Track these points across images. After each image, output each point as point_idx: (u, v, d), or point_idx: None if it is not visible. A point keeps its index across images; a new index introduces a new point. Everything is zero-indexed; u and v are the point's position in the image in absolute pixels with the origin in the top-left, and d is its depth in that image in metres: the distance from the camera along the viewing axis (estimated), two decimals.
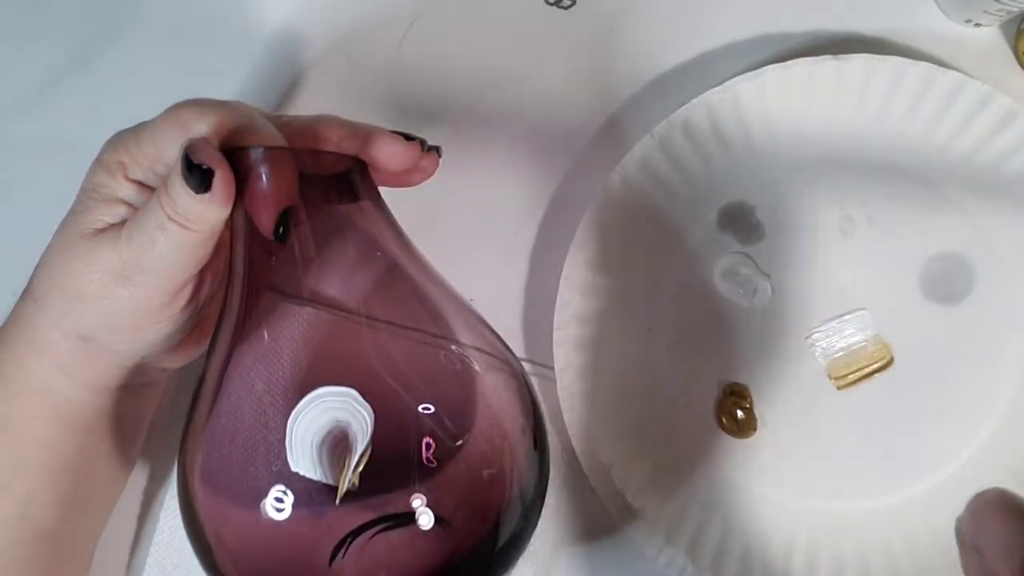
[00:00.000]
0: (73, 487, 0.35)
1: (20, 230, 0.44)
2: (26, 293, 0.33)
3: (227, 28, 0.48)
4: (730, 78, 0.43)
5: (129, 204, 0.31)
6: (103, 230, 0.31)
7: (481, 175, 0.46)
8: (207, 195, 0.28)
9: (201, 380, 0.30)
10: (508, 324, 0.44)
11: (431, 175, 0.35)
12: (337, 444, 0.27)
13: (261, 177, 0.29)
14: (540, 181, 0.46)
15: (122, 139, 0.31)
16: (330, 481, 0.24)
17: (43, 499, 0.34)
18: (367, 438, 0.25)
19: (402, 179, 0.34)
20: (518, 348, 0.44)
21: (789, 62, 0.42)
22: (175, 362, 0.36)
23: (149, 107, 0.32)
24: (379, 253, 0.31)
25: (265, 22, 0.48)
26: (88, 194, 0.32)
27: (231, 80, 0.47)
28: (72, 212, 0.32)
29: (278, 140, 0.31)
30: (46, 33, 0.49)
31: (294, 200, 0.30)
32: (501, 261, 0.45)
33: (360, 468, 0.25)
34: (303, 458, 0.24)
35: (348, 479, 0.24)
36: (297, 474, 0.27)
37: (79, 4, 0.49)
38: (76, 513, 0.36)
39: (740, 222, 0.44)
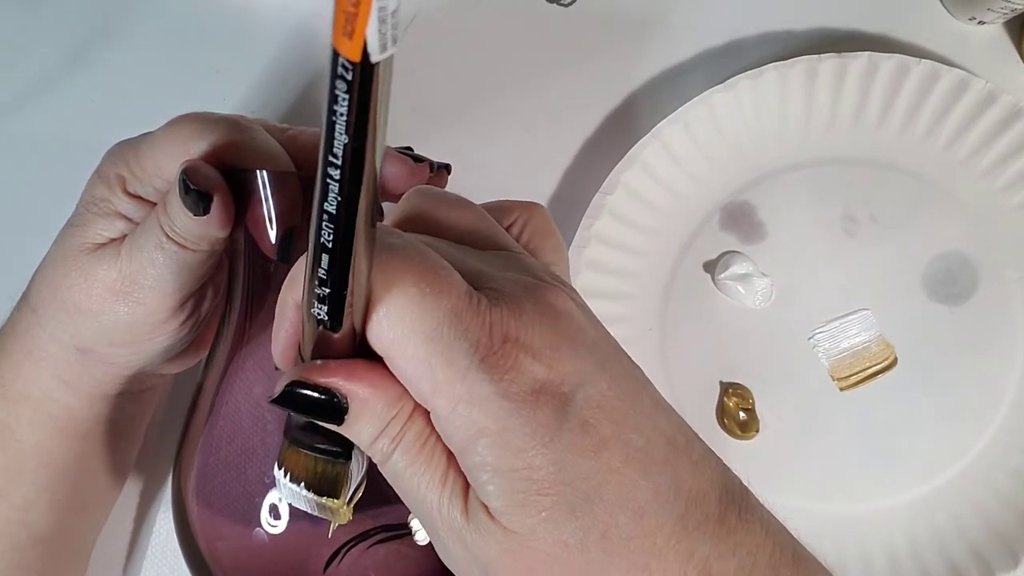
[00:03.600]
0: (70, 492, 0.35)
1: (19, 231, 0.44)
2: (23, 302, 0.33)
3: (226, 28, 0.48)
4: (732, 76, 0.42)
5: (129, 219, 0.31)
6: (103, 245, 0.31)
7: (481, 175, 0.46)
8: (205, 217, 0.28)
9: (198, 392, 0.30)
10: None
11: None
12: None
13: (265, 200, 0.29)
14: (540, 181, 0.45)
15: (122, 152, 0.31)
16: (318, 515, 0.24)
17: (40, 504, 0.34)
18: (362, 472, 0.24)
19: None
20: None
21: (792, 60, 0.42)
22: (174, 368, 0.36)
23: (149, 107, 0.31)
24: None
25: (264, 22, 0.48)
26: (87, 207, 0.31)
27: (230, 80, 0.47)
28: (71, 225, 0.32)
29: (280, 158, 0.30)
30: (45, 32, 0.49)
31: (297, 220, 0.29)
32: None
33: (354, 502, 0.24)
34: (290, 487, 0.23)
35: (340, 514, 0.23)
36: None
37: (79, 2, 0.49)
38: (73, 517, 0.36)
39: (742, 221, 0.44)
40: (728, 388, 0.42)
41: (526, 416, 0.21)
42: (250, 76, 0.47)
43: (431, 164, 0.33)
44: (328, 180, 0.18)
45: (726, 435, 0.42)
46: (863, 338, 0.42)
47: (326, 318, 0.21)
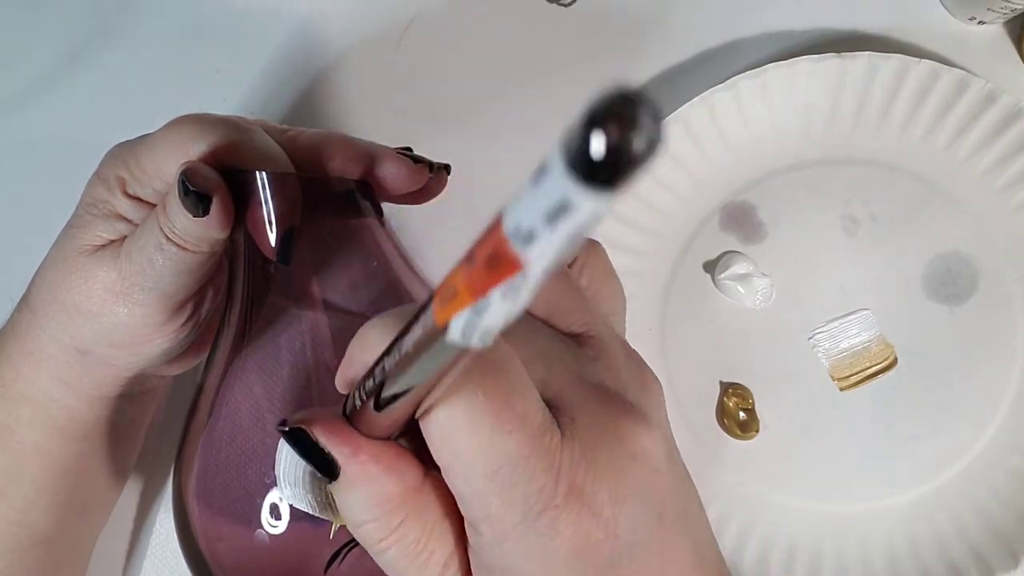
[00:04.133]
0: (70, 493, 0.35)
1: (19, 231, 0.44)
2: (23, 303, 0.33)
3: (226, 28, 0.48)
4: (732, 76, 0.42)
5: (128, 220, 0.31)
6: (103, 246, 0.31)
7: (481, 175, 0.46)
8: (204, 219, 0.28)
9: (198, 393, 0.30)
10: None
11: (438, 195, 0.34)
12: None
13: (264, 201, 0.29)
14: None
15: (121, 154, 0.31)
16: (319, 516, 0.23)
17: (40, 505, 0.34)
18: None
19: (408, 199, 0.33)
20: None
21: (792, 60, 0.42)
22: (174, 370, 0.36)
23: (149, 107, 0.31)
24: (380, 270, 0.31)
25: (264, 22, 0.48)
26: (87, 209, 0.31)
27: (230, 80, 0.47)
28: (71, 227, 0.32)
29: (280, 159, 0.30)
30: (45, 32, 0.49)
31: (297, 221, 0.29)
32: None
33: None
34: (291, 488, 0.23)
35: (340, 514, 0.23)
36: None
37: (79, 2, 0.49)
38: (73, 518, 0.35)
39: (742, 221, 0.44)
40: (728, 388, 0.42)
41: (567, 574, 0.21)
42: (250, 76, 0.47)
43: (430, 164, 0.33)
44: (387, 356, 0.19)
45: (726, 435, 0.42)
46: (863, 338, 0.42)
47: (365, 403, 0.20)
